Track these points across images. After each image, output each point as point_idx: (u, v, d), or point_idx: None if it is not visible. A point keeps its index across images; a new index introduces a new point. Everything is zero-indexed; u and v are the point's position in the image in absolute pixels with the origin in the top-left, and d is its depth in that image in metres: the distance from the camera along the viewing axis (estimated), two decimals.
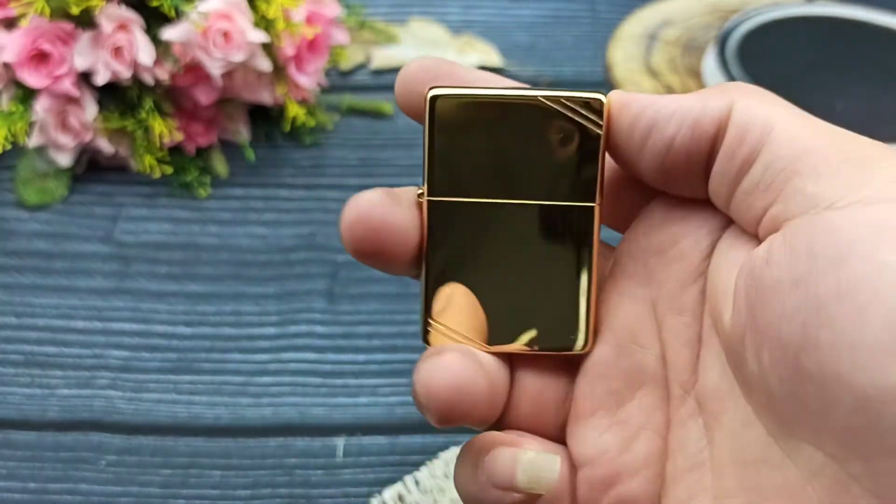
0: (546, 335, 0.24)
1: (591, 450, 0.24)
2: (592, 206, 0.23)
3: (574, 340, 0.24)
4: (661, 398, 0.24)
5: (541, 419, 0.25)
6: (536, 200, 0.23)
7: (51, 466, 0.39)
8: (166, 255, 0.47)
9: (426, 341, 0.24)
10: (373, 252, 0.23)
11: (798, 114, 0.21)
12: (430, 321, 0.24)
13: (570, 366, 0.25)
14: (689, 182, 0.23)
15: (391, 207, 0.23)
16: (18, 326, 0.44)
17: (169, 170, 0.49)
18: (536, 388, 0.25)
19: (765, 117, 0.21)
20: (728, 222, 0.23)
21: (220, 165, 0.51)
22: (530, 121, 0.23)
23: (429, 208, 0.24)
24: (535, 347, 0.24)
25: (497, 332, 0.24)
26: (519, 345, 0.24)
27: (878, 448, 0.18)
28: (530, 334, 0.24)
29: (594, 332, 0.24)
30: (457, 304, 0.24)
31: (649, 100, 0.22)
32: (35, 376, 0.42)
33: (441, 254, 0.24)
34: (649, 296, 0.24)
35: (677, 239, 0.23)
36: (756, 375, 0.20)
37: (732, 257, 0.22)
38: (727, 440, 0.22)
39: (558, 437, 0.25)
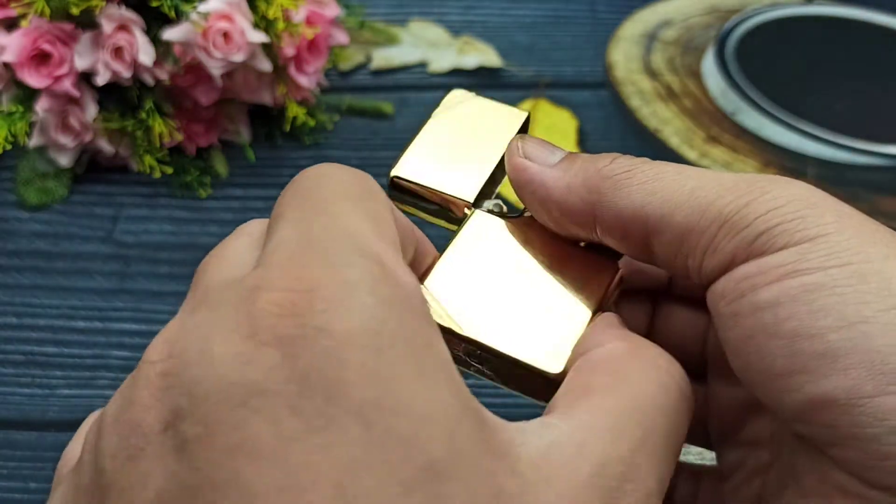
0: (525, 346, 0.23)
1: None
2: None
3: (550, 361, 0.23)
4: None
5: None
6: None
7: (52, 467, 0.38)
8: (167, 255, 0.47)
9: None
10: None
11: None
12: (422, 286, 0.24)
13: None
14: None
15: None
16: (19, 326, 0.44)
17: (169, 170, 0.49)
18: None
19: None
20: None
21: (220, 166, 0.51)
22: None
23: (472, 217, 0.26)
24: (510, 352, 0.23)
25: (478, 323, 0.24)
26: (494, 343, 0.23)
27: None
28: (510, 338, 0.23)
29: (571, 363, 0.23)
30: (456, 282, 0.24)
31: None
32: (36, 376, 0.42)
33: (462, 251, 0.25)
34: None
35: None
36: None
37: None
38: None
39: None
